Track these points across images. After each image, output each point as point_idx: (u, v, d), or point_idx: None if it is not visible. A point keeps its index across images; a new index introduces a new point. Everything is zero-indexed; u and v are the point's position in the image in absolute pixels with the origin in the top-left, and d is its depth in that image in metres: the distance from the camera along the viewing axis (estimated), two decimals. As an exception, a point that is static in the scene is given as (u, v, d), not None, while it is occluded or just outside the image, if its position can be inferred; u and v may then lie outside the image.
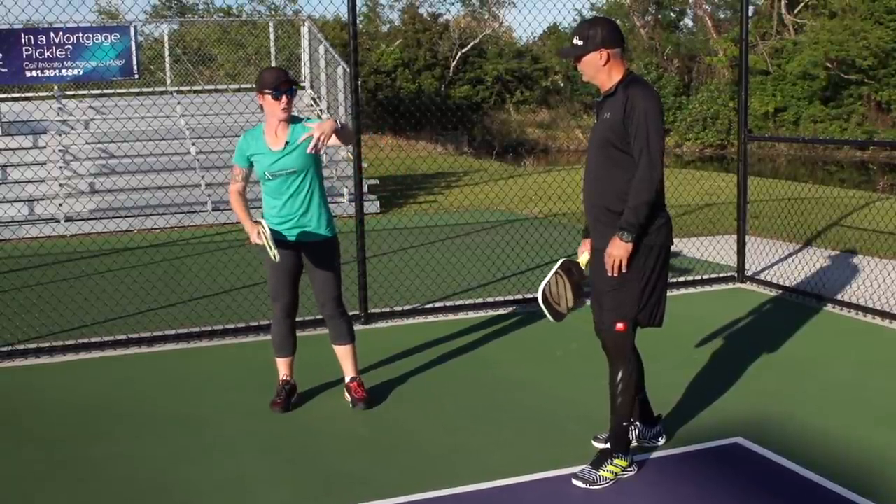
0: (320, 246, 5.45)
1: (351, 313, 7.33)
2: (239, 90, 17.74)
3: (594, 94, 4.62)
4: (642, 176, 4.22)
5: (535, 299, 8.12)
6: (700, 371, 6.15)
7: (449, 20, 45.48)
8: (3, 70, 14.32)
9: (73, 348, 6.91)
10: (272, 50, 17.91)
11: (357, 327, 7.45)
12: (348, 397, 5.59)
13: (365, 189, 11.80)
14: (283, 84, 5.23)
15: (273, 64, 17.85)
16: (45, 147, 14.70)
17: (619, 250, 4.27)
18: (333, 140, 5.05)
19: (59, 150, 14.65)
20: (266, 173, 5.32)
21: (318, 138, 4.89)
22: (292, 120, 5.38)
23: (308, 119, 5.48)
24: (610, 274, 4.33)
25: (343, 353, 5.61)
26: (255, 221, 5.27)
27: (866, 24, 35.73)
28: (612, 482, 4.42)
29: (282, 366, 5.66)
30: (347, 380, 5.62)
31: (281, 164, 5.30)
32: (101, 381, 6.27)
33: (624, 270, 4.32)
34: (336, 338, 5.59)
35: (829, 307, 7.80)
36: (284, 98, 5.24)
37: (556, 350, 6.74)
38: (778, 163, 32.73)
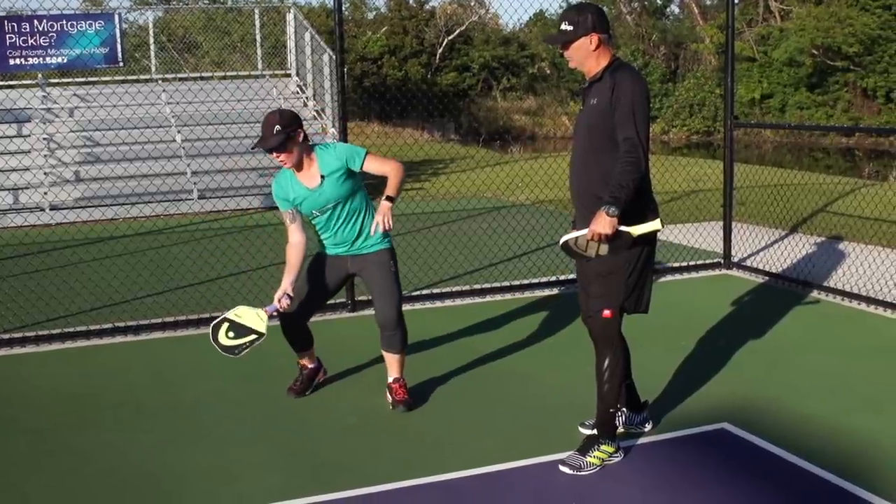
0: (379, 256, 5.33)
1: (338, 301, 7.36)
2: (224, 78, 17.66)
3: (580, 80, 4.56)
4: (628, 158, 4.17)
5: (523, 286, 8.15)
6: (686, 357, 6.17)
7: (435, 7, 45.36)
8: (-13, 58, 14.24)
9: (60, 337, 6.89)
10: (258, 37, 17.82)
11: (344, 315, 7.48)
12: (389, 398, 5.41)
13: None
14: (265, 149, 5.03)
15: (259, 51, 17.76)
16: (29, 135, 14.60)
17: (603, 225, 4.12)
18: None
19: (44, 139, 14.58)
20: (314, 212, 5.21)
21: (382, 222, 5.05)
22: (314, 151, 5.19)
23: (326, 146, 5.26)
24: (588, 239, 4.18)
25: (391, 359, 5.44)
26: (289, 295, 5.11)
27: (852, 11, 35.79)
28: (598, 468, 4.43)
29: (301, 356, 5.64)
30: (390, 380, 5.45)
31: (325, 199, 5.17)
32: (87, 370, 6.25)
33: (603, 252, 4.25)
34: (389, 347, 5.39)
35: (815, 293, 7.83)
36: (275, 155, 5.06)
37: (544, 337, 6.75)
38: (764, 149, 32.78)
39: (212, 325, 5.05)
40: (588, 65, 4.41)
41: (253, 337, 5.01)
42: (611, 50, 4.42)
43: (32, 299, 7.98)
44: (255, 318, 5.05)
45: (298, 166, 5.16)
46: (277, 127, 4.99)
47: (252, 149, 5.34)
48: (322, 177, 5.15)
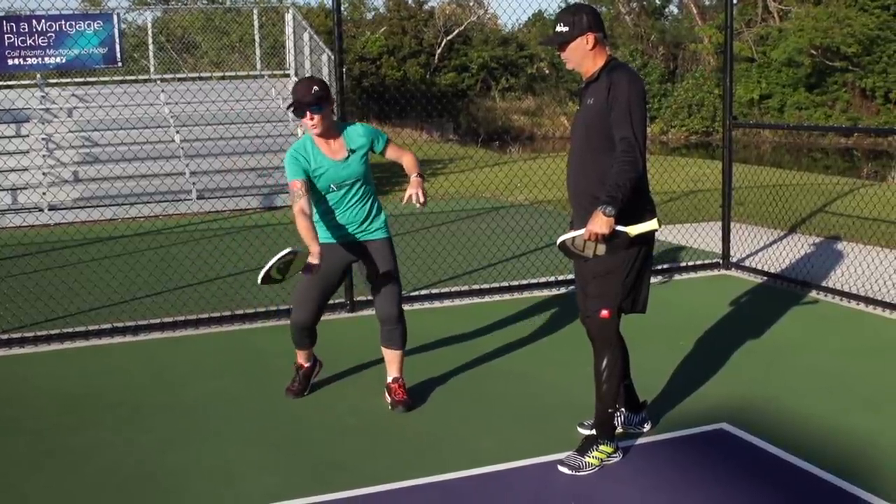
0: (382, 244, 5.34)
1: (337, 301, 7.36)
2: (223, 78, 17.65)
3: (579, 81, 4.60)
4: (625, 158, 4.17)
5: (522, 286, 8.15)
6: (685, 357, 6.18)
7: (434, 7, 45.37)
8: (-14, 58, 14.24)
9: (59, 337, 6.89)
10: (256, 37, 17.81)
11: (343, 315, 7.48)
12: (388, 398, 5.41)
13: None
14: (301, 106, 5.03)
15: (258, 52, 17.78)
16: (27, 135, 14.60)
17: (600, 225, 4.11)
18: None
19: (43, 139, 14.57)
20: (332, 185, 5.17)
21: (421, 194, 5.08)
22: (339, 127, 5.23)
23: (351, 123, 5.33)
24: (586, 239, 4.17)
25: (391, 356, 5.43)
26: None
27: (850, 12, 35.80)
28: (597, 468, 4.43)
29: (299, 355, 5.63)
30: (389, 380, 5.44)
31: (347, 174, 5.17)
32: (86, 371, 6.26)
33: (601, 252, 4.25)
34: (389, 342, 5.40)
35: (813, 293, 7.84)
36: (308, 116, 5.06)
37: (543, 337, 6.76)
38: (763, 150, 32.80)
39: (286, 251, 4.76)
40: (585, 65, 4.42)
41: (279, 278, 4.83)
42: (607, 50, 4.43)
43: (31, 300, 7.98)
44: (299, 264, 4.85)
45: (325, 134, 5.16)
46: (315, 88, 5.06)
47: (288, 109, 5.28)
48: (350, 151, 5.18)
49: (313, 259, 4.87)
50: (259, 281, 4.80)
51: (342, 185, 5.20)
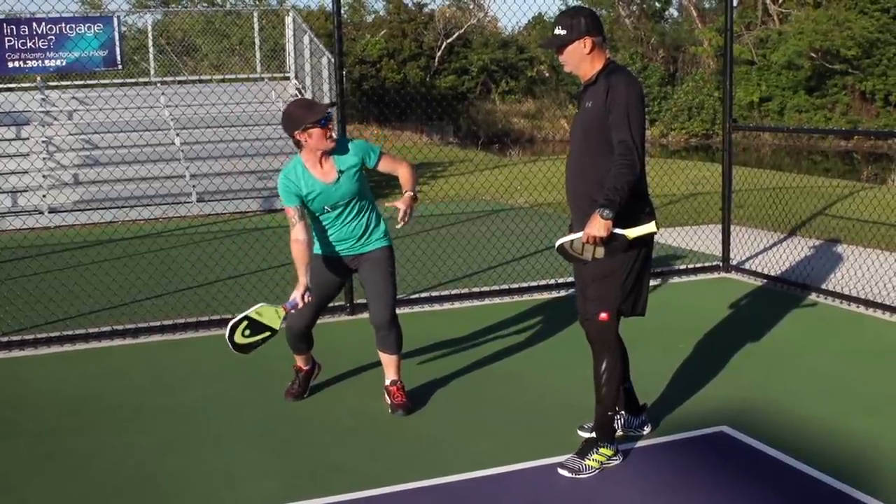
0: (380, 253, 5.33)
1: (337, 304, 7.36)
2: (223, 80, 17.66)
3: (579, 84, 4.62)
4: (623, 161, 4.17)
5: (522, 289, 8.15)
6: (685, 360, 6.18)
7: (434, 10, 45.36)
8: (-14, 61, 14.25)
9: (59, 340, 6.89)
10: (256, 40, 17.83)
11: (343, 318, 7.48)
12: (388, 401, 5.41)
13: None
14: (327, 115, 5.00)
15: (258, 54, 17.79)
16: (28, 138, 14.61)
17: (598, 228, 4.12)
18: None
19: (43, 142, 14.58)
20: (325, 207, 5.16)
21: (405, 212, 5.07)
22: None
23: (340, 141, 5.24)
24: (584, 241, 4.18)
25: (387, 360, 5.43)
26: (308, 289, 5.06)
27: (850, 15, 35.81)
28: (597, 471, 4.43)
29: (297, 359, 5.63)
30: (387, 382, 5.43)
31: (339, 195, 5.14)
32: (86, 373, 6.25)
33: (599, 255, 4.25)
34: (384, 347, 5.38)
35: (813, 296, 7.84)
36: (329, 127, 5.04)
37: (542, 340, 6.76)
38: (763, 152, 32.79)
39: (230, 323, 4.96)
40: (583, 68, 4.42)
41: (267, 334, 5.00)
42: (605, 53, 4.43)
43: (31, 302, 7.98)
44: (273, 315, 5.01)
45: (330, 150, 5.13)
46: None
47: (321, 118, 5.05)
48: (339, 172, 5.13)
49: (297, 291, 5.01)
50: (237, 351, 4.99)
51: (336, 206, 5.18)
